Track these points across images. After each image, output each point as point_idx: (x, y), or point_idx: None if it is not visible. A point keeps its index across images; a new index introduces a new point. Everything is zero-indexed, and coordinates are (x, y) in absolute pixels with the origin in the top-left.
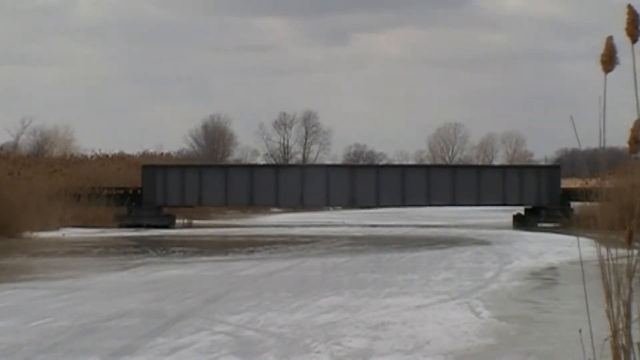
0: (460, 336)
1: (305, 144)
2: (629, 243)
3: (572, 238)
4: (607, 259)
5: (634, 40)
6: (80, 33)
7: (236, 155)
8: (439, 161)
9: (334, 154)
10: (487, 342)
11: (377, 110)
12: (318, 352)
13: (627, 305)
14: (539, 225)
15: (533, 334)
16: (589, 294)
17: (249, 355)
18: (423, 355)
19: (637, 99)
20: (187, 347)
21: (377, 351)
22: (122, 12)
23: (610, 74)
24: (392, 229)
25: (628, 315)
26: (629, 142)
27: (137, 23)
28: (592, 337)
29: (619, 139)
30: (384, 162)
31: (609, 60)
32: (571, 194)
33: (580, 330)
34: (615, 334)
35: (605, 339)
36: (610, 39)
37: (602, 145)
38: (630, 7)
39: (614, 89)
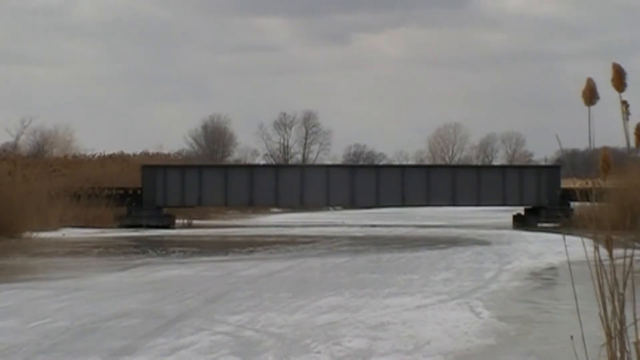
0: (460, 336)
1: (305, 144)
2: (610, 250)
3: (572, 238)
4: (600, 262)
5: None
6: (80, 33)
7: (236, 155)
8: (439, 161)
9: (334, 154)
10: (487, 342)
11: (377, 110)
12: (318, 352)
13: (621, 309)
14: (539, 225)
15: (533, 334)
16: (588, 294)
17: (249, 356)
18: (423, 355)
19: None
20: (187, 347)
21: (377, 351)
22: (122, 12)
23: (609, 74)
24: (392, 229)
25: (622, 319)
26: (601, 167)
27: (137, 23)
28: (584, 340)
29: (618, 139)
30: (384, 162)
31: (590, 95)
32: (571, 194)
33: (572, 337)
34: (610, 338)
35: (602, 345)
36: (590, 80)
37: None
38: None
39: (614, 89)
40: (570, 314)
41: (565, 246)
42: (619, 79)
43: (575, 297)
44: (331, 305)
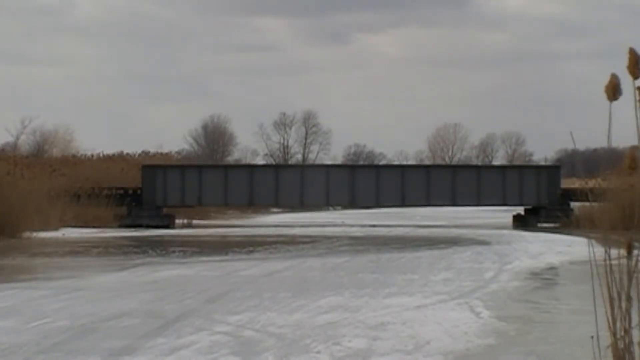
0: (460, 336)
1: (305, 144)
2: (629, 253)
3: (572, 238)
4: (609, 262)
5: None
6: (80, 33)
7: (236, 155)
8: (439, 161)
9: (334, 154)
10: (487, 342)
11: (377, 110)
12: (318, 352)
13: (628, 309)
14: (539, 225)
15: (533, 334)
16: (588, 294)
17: (249, 356)
18: (423, 355)
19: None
20: (187, 347)
21: (377, 351)
22: (122, 12)
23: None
24: (392, 229)
25: (629, 319)
26: (628, 166)
27: (137, 23)
28: (599, 340)
29: (619, 139)
30: (384, 162)
31: (614, 91)
32: (571, 194)
33: (593, 337)
34: (616, 338)
35: (608, 347)
36: (614, 76)
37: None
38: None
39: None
40: (570, 314)
41: (575, 245)
42: (635, 65)
43: (594, 298)
44: (331, 305)
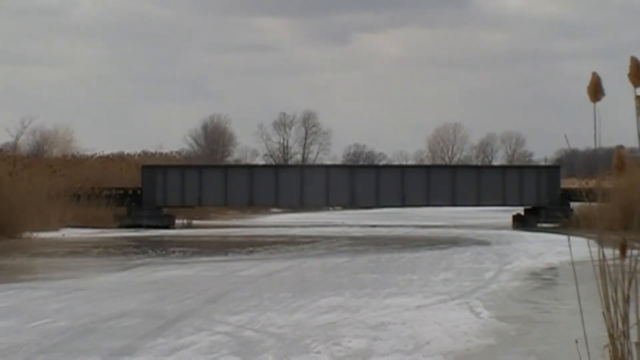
0: (460, 336)
1: (305, 144)
2: (623, 255)
3: (572, 238)
4: (605, 263)
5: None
6: (80, 33)
7: (236, 155)
8: (439, 161)
9: (334, 154)
10: (487, 342)
11: (377, 110)
12: (318, 352)
13: (625, 310)
14: (539, 225)
15: (533, 334)
16: (588, 294)
17: (249, 356)
18: (423, 355)
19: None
20: (187, 347)
21: (377, 351)
22: (122, 12)
23: (611, 75)
24: (391, 229)
25: (625, 320)
26: (615, 166)
27: (137, 23)
28: (586, 340)
29: (618, 139)
30: (383, 162)
31: (595, 90)
32: (571, 194)
33: (576, 341)
34: (613, 339)
35: (605, 346)
36: (595, 75)
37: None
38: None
39: (614, 90)
40: (570, 314)
41: (575, 246)
42: (637, 73)
43: (580, 299)
44: (331, 305)
